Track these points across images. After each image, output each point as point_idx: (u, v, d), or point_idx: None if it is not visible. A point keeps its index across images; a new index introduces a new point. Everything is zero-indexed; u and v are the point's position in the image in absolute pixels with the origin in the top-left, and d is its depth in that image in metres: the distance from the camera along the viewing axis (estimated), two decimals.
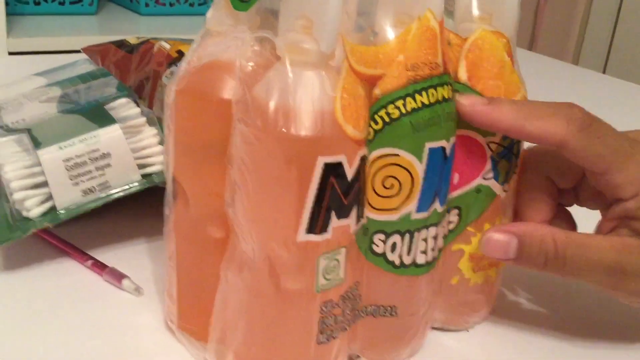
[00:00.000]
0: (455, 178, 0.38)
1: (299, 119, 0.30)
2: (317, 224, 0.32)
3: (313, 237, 0.32)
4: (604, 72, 1.73)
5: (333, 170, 0.31)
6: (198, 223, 0.36)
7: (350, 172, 0.32)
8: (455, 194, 0.38)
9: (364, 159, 0.33)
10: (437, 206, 0.36)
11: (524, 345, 0.42)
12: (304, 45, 0.31)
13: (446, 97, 0.35)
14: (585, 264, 0.37)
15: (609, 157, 0.37)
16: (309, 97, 0.30)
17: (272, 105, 0.30)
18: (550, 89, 0.94)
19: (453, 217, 0.39)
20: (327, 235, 0.32)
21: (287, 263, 0.32)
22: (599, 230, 0.40)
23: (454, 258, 0.40)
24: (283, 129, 0.30)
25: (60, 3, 1.33)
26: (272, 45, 0.32)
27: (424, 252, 0.37)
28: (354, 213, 0.33)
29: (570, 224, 0.43)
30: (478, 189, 0.39)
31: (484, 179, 0.39)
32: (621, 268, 0.36)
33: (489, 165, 0.38)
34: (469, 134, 0.38)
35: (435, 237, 0.37)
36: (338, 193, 0.32)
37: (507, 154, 0.39)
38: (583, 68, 1.19)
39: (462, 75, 0.37)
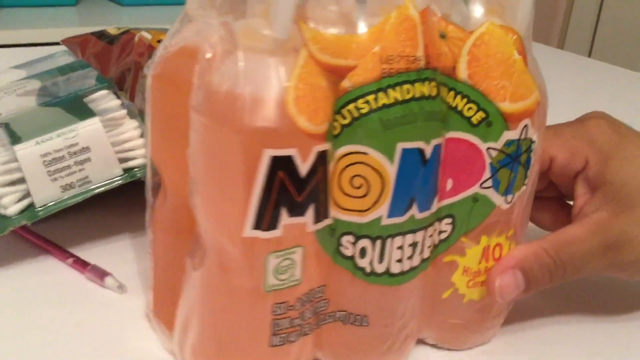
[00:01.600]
0: (449, 184, 0.35)
1: (245, 109, 0.29)
2: (263, 220, 0.30)
3: (260, 234, 0.30)
4: (589, 55, 1.73)
5: (282, 165, 0.29)
6: (174, 212, 0.36)
7: (303, 168, 0.30)
8: (447, 201, 0.35)
9: (323, 155, 0.31)
10: (415, 212, 0.33)
11: None
12: (259, 31, 0.29)
13: (426, 94, 0.32)
14: (580, 259, 0.37)
15: (546, 145, 0.39)
16: (258, 85, 0.29)
17: (220, 93, 0.29)
18: None
19: (445, 226, 0.36)
20: (276, 233, 0.30)
21: (234, 259, 0.31)
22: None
23: (446, 270, 0.37)
24: (230, 118, 0.29)
25: None
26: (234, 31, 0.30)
27: (399, 261, 0.34)
28: (310, 211, 0.31)
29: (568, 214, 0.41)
30: (475, 198, 0.35)
31: (482, 187, 0.35)
32: (606, 246, 0.37)
33: (487, 173, 0.35)
34: (466, 137, 0.34)
35: (413, 246, 0.34)
36: (289, 189, 0.30)
37: (510, 162, 0.35)
38: (568, 52, 1.16)
39: (463, 72, 0.34)
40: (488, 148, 0.34)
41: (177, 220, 0.35)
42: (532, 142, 0.35)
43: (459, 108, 0.34)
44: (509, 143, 0.34)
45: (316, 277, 0.33)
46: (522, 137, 0.35)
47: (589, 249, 0.37)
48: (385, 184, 0.32)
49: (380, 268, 0.34)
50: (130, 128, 0.45)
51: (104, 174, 0.44)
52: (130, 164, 0.46)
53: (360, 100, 0.31)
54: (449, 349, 0.39)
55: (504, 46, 0.34)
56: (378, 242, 0.33)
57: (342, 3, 0.31)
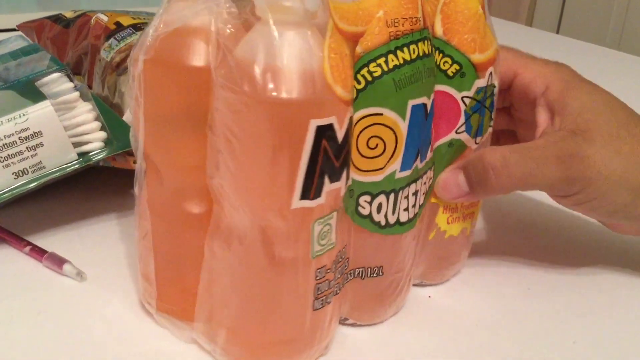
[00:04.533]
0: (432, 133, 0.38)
1: (288, 81, 0.29)
2: (311, 190, 0.31)
3: (307, 203, 0.31)
4: (557, 32, 1.78)
5: (325, 133, 0.30)
6: (173, 199, 0.35)
7: (340, 134, 0.31)
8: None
9: (351, 120, 0.32)
10: (419, 163, 0.36)
11: (502, 292, 0.43)
12: (287, 3, 0.29)
13: (427, 52, 0.34)
14: (533, 162, 0.38)
15: (512, 61, 0.43)
16: (297, 58, 0.29)
17: (258, 68, 0.29)
18: None
19: (430, 172, 0.39)
20: (320, 201, 0.31)
21: (282, 231, 0.31)
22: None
23: (431, 212, 0.40)
24: (273, 93, 0.29)
25: None
26: (251, 5, 0.30)
27: (406, 210, 0.36)
28: (344, 176, 0.32)
29: None
30: (450, 143, 0.39)
31: (457, 132, 0.39)
32: (559, 156, 0.38)
33: (462, 119, 0.38)
34: (444, 89, 0.37)
35: (415, 194, 0.37)
36: (330, 156, 0.31)
37: (479, 107, 0.39)
38: (537, 29, 1.21)
39: (438, 29, 0.37)
40: (462, 97, 0.38)
41: (177, 206, 0.35)
42: (494, 86, 0.39)
43: (438, 62, 0.37)
44: (479, 90, 0.38)
45: (343, 238, 0.35)
46: (489, 83, 0.39)
47: (542, 154, 0.38)
48: (399, 141, 0.34)
49: (392, 219, 0.36)
50: (83, 111, 0.44)
51: (58, 159, 0.43)
52: (85, 148, 0.44)
53: (372, 64, 0.33)
54: (430, 284, 0.43)
55: (470, 2, 0.37)
56: (392, 196, 0.35)
57: None
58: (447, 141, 0.39)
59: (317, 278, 0.33)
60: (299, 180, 0.30)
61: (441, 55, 0.37)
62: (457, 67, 0.37)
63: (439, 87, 0.37)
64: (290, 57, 0.29)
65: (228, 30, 0.30)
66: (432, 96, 0.35)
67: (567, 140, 0.39)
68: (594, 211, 0.41)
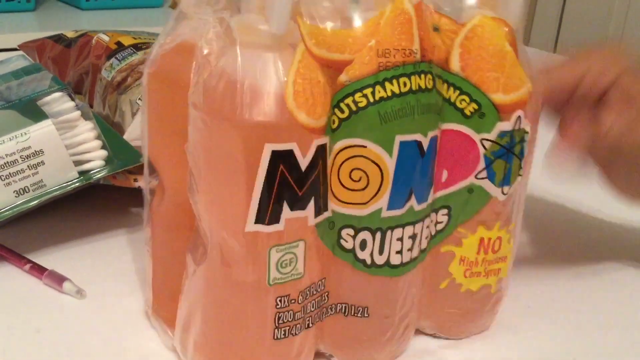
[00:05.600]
0: (444, 175, 0.35)
1: (246, 104, 0.29)
2: (266, 214, 0.30)
3: (262, 228, 0.30)
4: (554, 51, 1.77)
5: (283, 159, 0.30)
6: (173, 209, 0.36)
7: (304, 162, 0.30)
8: (443, 192, 0.36)
9: (322, 149, 0.31)
10: (414, 204, 0.34)
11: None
12: (256, 26, 0.29)
13: (423, 87, 0.32)
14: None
15: None
16: (257, 80, 0.29)
17: (219, 89, 0.29)
18: None
19: (441, 217, 0.36)
20: (278, 227, 0.31)
21: (237, 253, 0.31)
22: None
23: (443, 260, 0.37)
24: (230, 114, 0.29)
25: None
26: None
27: (399, 253, 0.34)
28: (311, 205, 0.31)
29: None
30: (470, 189, 0.36)
31: (477, 178, 0.36)
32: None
33: (482, 163, 0.35)
34: (460, 129, 0.35)
35: (413, 237, 0.34)
36: (290, 183, 0.30)
37: (504, 153, 0.36)
38: (534, 48, 1.19)
39: (455, 64, 0.34)
40: (482, 139, 0.35)
41: (176, 217, 0.35)
42: (525, 132, 0.36)
43: (452, 100, 0.34)
44: (502, 134, 0.35)
45: (317, 270, 0.33)
46: (516, 128, 0.35)
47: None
48: (385, 177, 0.32)
49: (380, 260, 0.34)
50: (85, 130, 0.45)
51: (58, 178, 0.44)
52: (86, 166, 0.45)
53: (358, 94, 0.31)
54: (447, 338, 0.40)
55: (496, 38, 0.34)
56: (378, 234, 0.33)
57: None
58: (466, 186, 0.36)
59: (278, 307, 0.32)
60: (253, 204, 0.30)
61: (457, 92, 0.34)
62: (476, 107, 0.34)
63: (453, 126, 0.35)
64: (251, 80, 0.29)
65: (205, 51, 0.31)
66: (430, 134, 0.33)
67: None
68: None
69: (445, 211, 0.36)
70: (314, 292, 0.34)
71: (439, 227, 0.36)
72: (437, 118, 0.33)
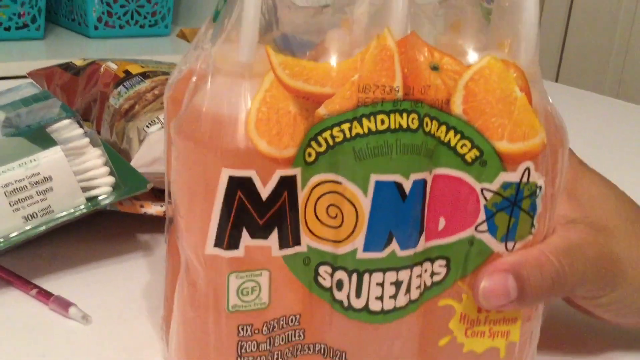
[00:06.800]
0: (441, 223, 0.33)
1: (204, 127, 0.30)
2: (224, 239, 0.31)
3: (221, 252, 0.31)
4: (556, 80, 1.79)
5: (241, 186, 0.30)
6: None
7: (264, 191, 0.30)
8: (440, 241, 0.33)
9: (288, 180, 0.31)
10: (396, 249, 0.32)
11: None
12: (230, 55, 0.30)
13: (405, 126, 0.31)
14: (581, 265, 0.35)
15: None
16: (220, 106, 0.30)
17: (186, 112, 0.30)
18: None
19: (438, 268, 0.34)
20: (237, 253, 0.31)
21: (199, 274, 0.32)
22: None
23: (442, 315, 0.35)
24: (191, 135, 0.30)
25: (5, 29, 1.29)
26: None
27: (379, 299, 0.33)
28: (274, 235, 0.31)
29: None
30: (471, 241, 0.33)
31: (477, 230, 0.33)
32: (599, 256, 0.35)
33: (482, 215, 0.33)
34: (459, 175, 0.33)
35: (396, 284, 0.33)
36: (250, 211, 0.30)
37: (507, 206, 0.33)
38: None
39: (457, 107, 0.32)
40: (482, 189, 0.32)
41: None
42: (537, 187, 0.33)
43: (452, 144, 0.32)
44: (505, 185, 0.32)
45: (289, 304, 0.33)
46: (524, 180, 0.32)
47: (584, 256, 0.35)
48: (360, 216, 0.31)
49: (358, 303, 0.33)
50: (93, 156, 0.45)
51: (66, 204, 0.44)
52: (94, 192, 0.45)
53: (336, 129, 0.31)
54: None
55: (504, 82, 0.32)
56: (354, 276, 0.32)
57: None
58: (466, 237, 0.33)
59: (240, 334, 0.32)
60: (212, 227, 0.31)
61: (458, 136, 0.32)
62: (477, 153, 0.32)
63: (452, 172, 0.33)
64: (214, 105, 0.30)
65: (193, 78, 0.32)
66: (414, 177, 0.31)
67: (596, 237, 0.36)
68: (614, 313, 0.38)
69: (443, 262, 0.34)
70: (284, 326, 0.33)
71: (436, 278, 0.34)
72: (426, 161, 0.32)
